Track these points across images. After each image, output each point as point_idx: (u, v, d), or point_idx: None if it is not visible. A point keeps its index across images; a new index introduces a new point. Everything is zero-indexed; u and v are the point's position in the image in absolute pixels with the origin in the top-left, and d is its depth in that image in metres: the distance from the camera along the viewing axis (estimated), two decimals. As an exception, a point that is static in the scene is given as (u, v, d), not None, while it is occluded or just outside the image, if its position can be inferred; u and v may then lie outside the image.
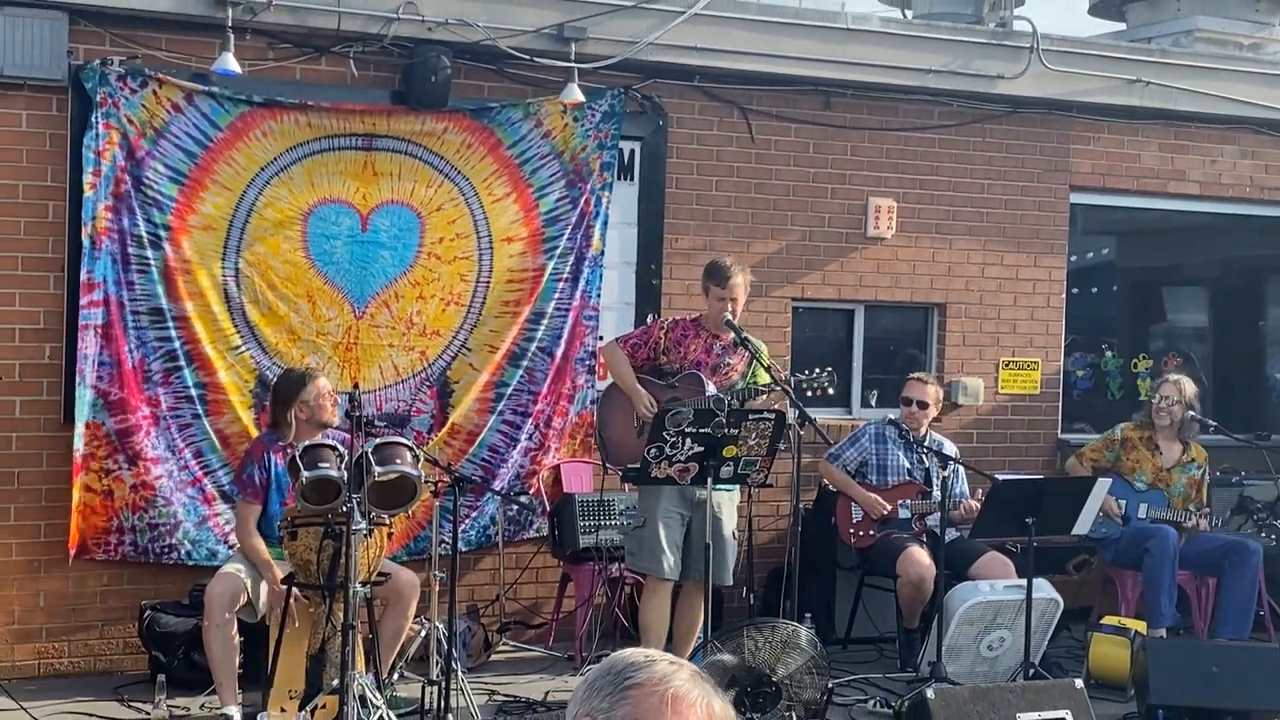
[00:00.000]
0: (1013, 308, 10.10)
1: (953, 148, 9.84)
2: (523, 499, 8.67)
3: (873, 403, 9.81)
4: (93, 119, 7.65)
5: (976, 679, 7.85)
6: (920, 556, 8.30)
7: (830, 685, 6.92)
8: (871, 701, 7.81)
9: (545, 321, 8.71)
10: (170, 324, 7.90)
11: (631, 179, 9.04)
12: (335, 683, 6.37)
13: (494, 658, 8.46)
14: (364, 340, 8.35)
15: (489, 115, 8.49)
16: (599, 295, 8.88)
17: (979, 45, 9.69)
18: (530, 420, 8.73)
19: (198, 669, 7.38)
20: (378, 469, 6.58)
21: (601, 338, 8.78)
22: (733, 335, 7.65)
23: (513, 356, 8.67)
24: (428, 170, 8.41)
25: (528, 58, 8.44)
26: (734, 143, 9.24)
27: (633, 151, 9.02)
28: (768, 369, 7.60)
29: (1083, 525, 8.00)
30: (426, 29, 8.20)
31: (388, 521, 6.96)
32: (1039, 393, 10.23)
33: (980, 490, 8.49)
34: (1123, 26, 11.71)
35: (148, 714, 6.97)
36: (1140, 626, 8.27)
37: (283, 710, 6.71)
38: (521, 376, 8.69)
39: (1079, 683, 6.77)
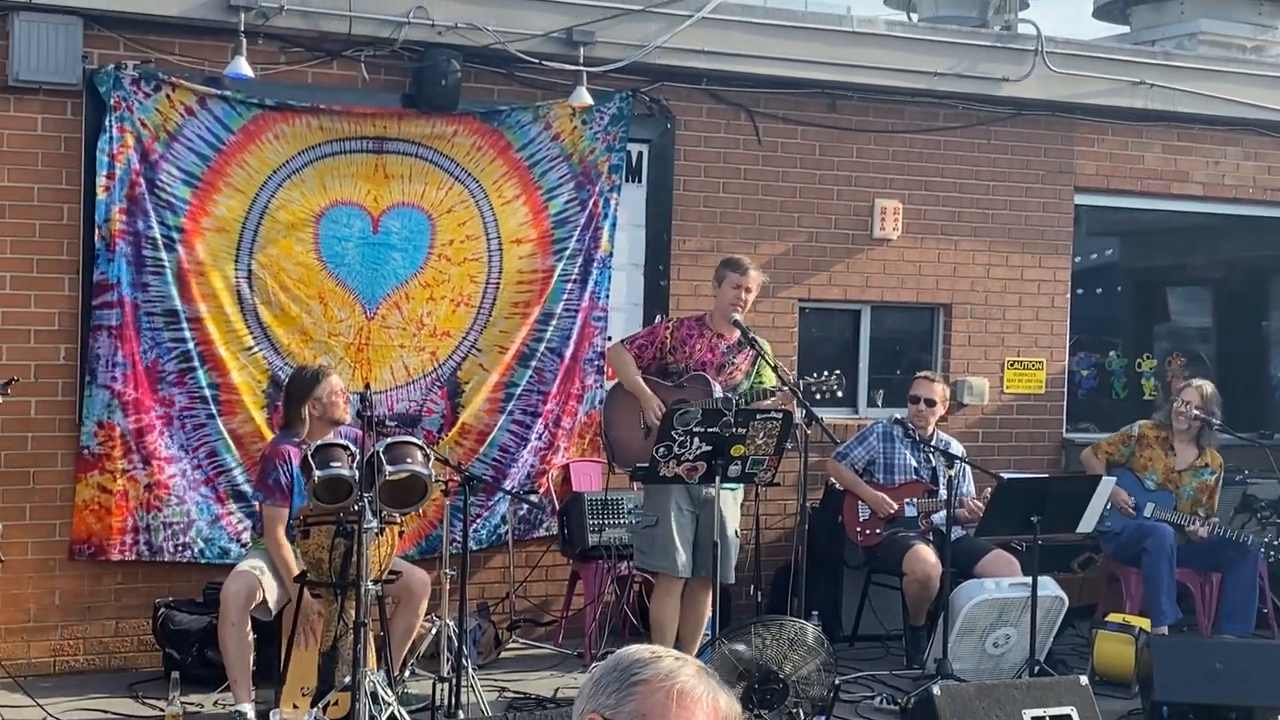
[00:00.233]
0: (1018, 308, 10.15)
1: (958, 150, 9.88)
2: (532, 498, 8.70)
3: (879, 403, 9.85)
4: (107, 122, 7.71)
5: (982, 676, 7.86)
6: (926, 554, 8.32)
7: (837, 682, 6.94)
8: (878, 698, 7.82)
9: (554, 322, 8.75)
10: (184, 325, 7.95)
11: (639, 181, 9.08)
12: (347, 679, 6.40)
13: (504, 655, 8.49)
14: (375, 341, 8.39)
15: (499, 118, 8.54)
16: (607, 296, 8.92)
17: (984, 48, 9.73)
18: (540, 420, 8.78)
19: (211, 666, 7.42)
20: (389, 468, 6.61)
21: (610, 338, 8.82)
22: (738, 335, 7.70)
23: (522, 357, 8.71)
24: (438, 173, 8.46)
25: (537, 61, 8.48)
26: (741, 145, 9.29)
27: (641, 154, 9.06)
28: (774, 368, 7.63)
29: (1087, 523, 8.00)
30: (436, 33, 8.25)
31: (399, 520, 7.00)
32: (1044, 392, 10.27)
33: (986, 489, 8.54)
34: (1126, 29, 11.72)
35: (162, 711, 6.99)
36: (1144, 624, 8.29)
37: (295, 707, 6.74)
38: (531, 377, 8.74)
39: (1084, 680, 6.76)
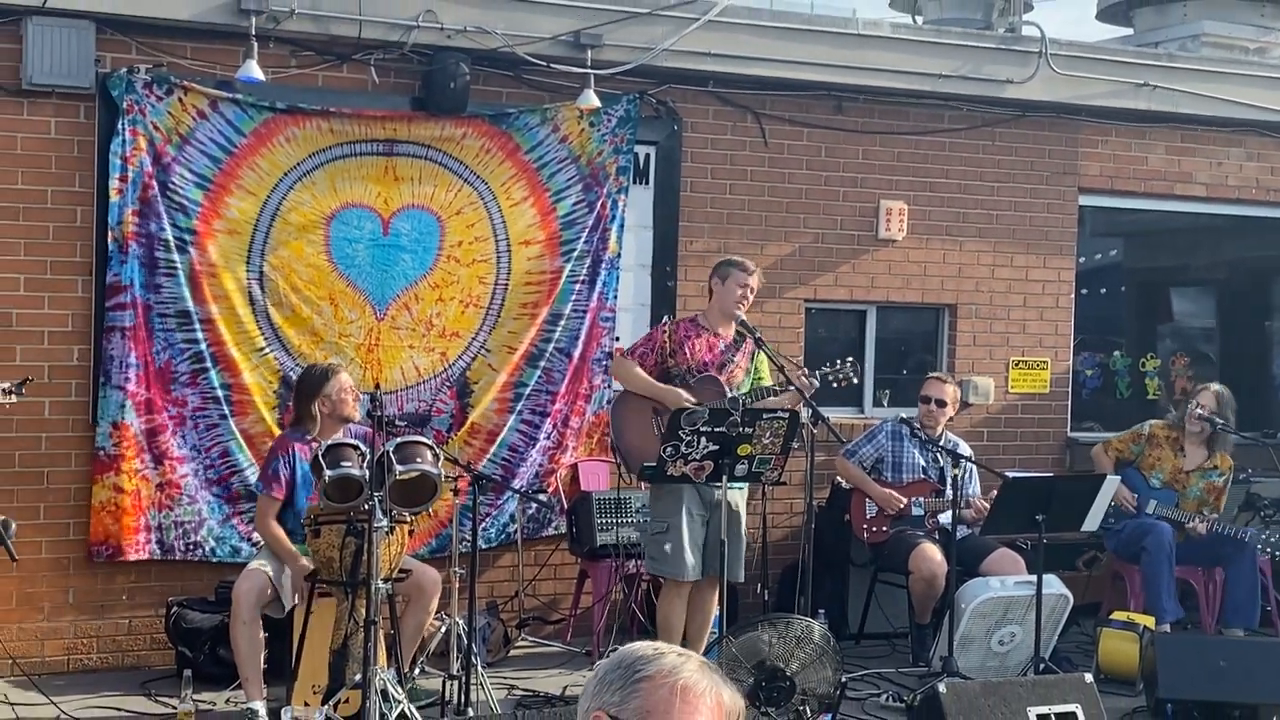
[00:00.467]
0: (1022, 308, 10.19)
1: (963, 151, 9.92)
2: (541, 497, 8.74)
3: (885, 403, 9.89)
4: (120, 126, 7.75)
5: (988, 673, 7.90)
6: (932, 553, 8.35)
7: (843, 680, 6.93)
8: (884, 696, 7.84)
9: (563, 323, 8.80)
10: (196, 326, 7.99)
11: (647, 183, 9.12)
12: (358, 677, 6.45)
13: (513, 653, 8.53)
14: (385, 342, 8.44)
15: (507, 120, 8.59)
16: (615, 297, 8.97)
17: (988, 50, 9.76)
18: (548, 420, 8.82)
19: (223, 664, 7.44)
20: (399, 468, 6.64)
21: (618, 338, 8.89)
22: (733, 332, 7.73)
23: (531, 357, 8.76)
24: (447, 175, 8.50)
25: (545, 64, 8.52)
26: (747, 147, 9.33)
27: (648, 156, 9.10)
28: (781, 368, 7.64)
29: (1092, 522, 8.04)
30: (446, 36, 8.29)
31: (409, 519, 7.02)
32: (1048, 392, 10.30)
33: (991, 489, 8.57)
34: (1130, 31, 11.73)
35: (174, 708, 7.01)
36: (1148, 622, 8.31)
37: (306, 704, 6.75)
38: (540, 377, 8.78)
39: (1089, 677, 6.77)
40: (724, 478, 7.15)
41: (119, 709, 7.36)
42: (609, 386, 8.83)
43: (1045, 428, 10.30)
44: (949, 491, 8.35)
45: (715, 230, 9.26)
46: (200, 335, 8.02)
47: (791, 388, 7.58)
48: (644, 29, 8.77)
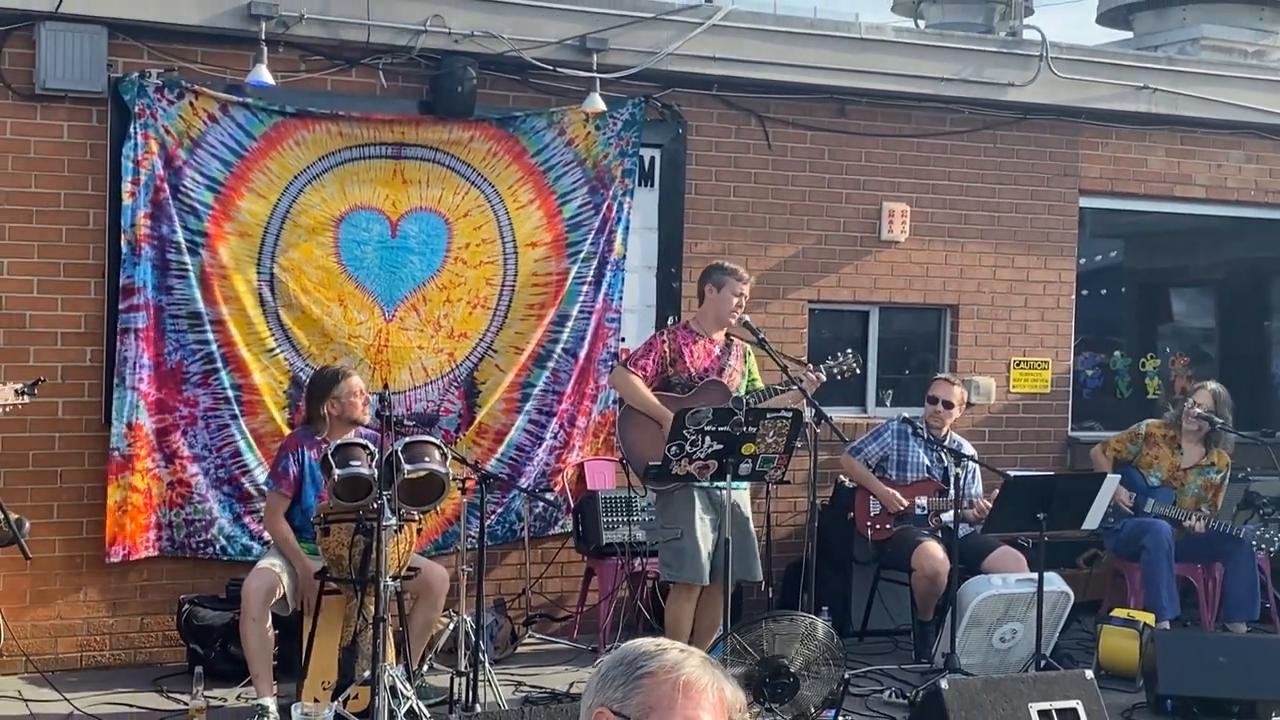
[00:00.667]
0: (1023, 309, 10.24)
1: (964, 153, 9.96)
2: (548, 496, 8.78)
3: (887, 402, 9.94)
4: (132, 129, 7.81)
5: (989, 670, 7.93)
6: (935, 551, 8.38)
7: (847, 676, 6.96)
8: (887, 692, 7.88)
9: (569, 324, 8.85)
10: (207, 327, 8.05)
11: (652, 185, 9.16)
12: (367, 674, 6.47)
13: (520, 650, 8.58)
14: (394, 343, 8.49)
15: (514, 124, 8.65)
16: (621, 298, 9.01)
17: (990, 54, 9.81)
18: (555, 420, 8.88)
19: (234, 661, 7.49)
20: (407, 467, 6.68)
21: (624, 339, 8.95)
22: (724, 336, 7.78)
23: (538, 358, 8.81)
24: (455, 178, 8.56)
25: (551, 68, 8.58)
26: (751, 150, 9.37)
27: (653, 158, 9.15)
28: (781, 365, 7.68)
29: (1092, 520, 8.10)
30: (453, 41, 8.34)
31: (417, 518, 7.06)
32: (1049, 392, 10.35)
33: (994, 487, 8.62)
34: (1130, 35, 11.78)
35: (186, 705, 7.04)
36: (1148, 619, 8.34)
37: (316, 701, 6.80)
38: (547, 377, 8.84)
39: (1089, 673, 6.78)
40: (728, 476, 7.19)
41: (131, 705, 7.40)
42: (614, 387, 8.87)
43: (1046, 427, 10.35)
44: (952, 490, 8.40)
45: (719, 232, 9.32)
46: (211, 336, 8.07)
47: (794, 387, 7.62)
48: (649, 33, 8.82)
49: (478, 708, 6.82)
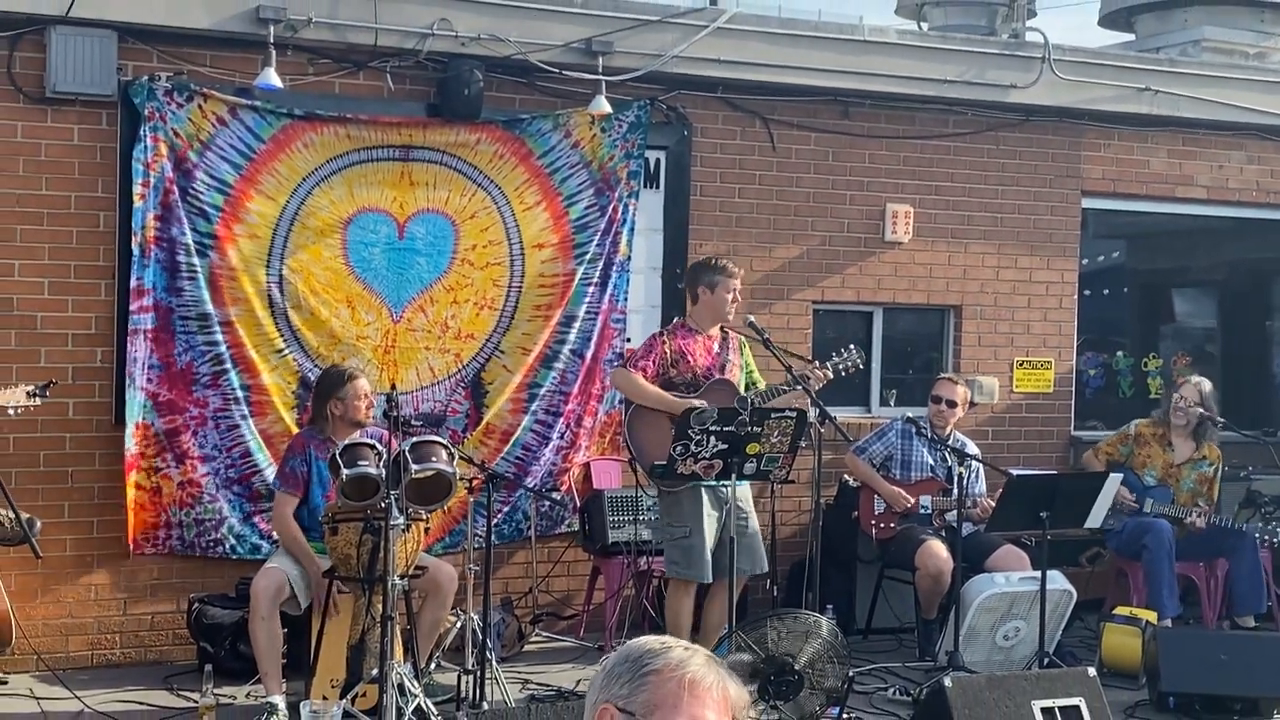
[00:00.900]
0: (1026, 309, 10.27)
1: (967, 155, 10.00)
2: (554, 495, 8.82)
3: (891, 402, 9.98)
4: (141, 132, 7.85)
5: (993, 667, 7.96)
6: (939, 549, 8.41)
7: (851, 674, 6.96)
8: (891, 690, 7.91)
9: (576, 325, 8.89)
10: (216, 329, 8.09)
11: (657, 187, 9.20)
12: (375, 672, 6.51)
13: (527, 648, 8.60)
14: (401, 343, 8.54)
15: (520, 126, 8.69)
16: (626, 299, 9.05)
17: (992, 56, 9.84)
18: (562, 420, 8.91)
19: (243, 659, 7.53)
20: (415, 466, 6.69)
21: (629, 340, 8.98)
22: (719, 333, 7.80)
23: (545, 359, 8.86)
24: (462, 180, 8.60)
25: (557, 71, 8.62)
26: (756, 151, 9.41)
27: (658, 160, 9.19)
28: (785, 364, 7.71)
29: (1095, 519, 8.12)
30: (460, 44, 8.38)
31: (424, 517, 7.09)
32: (1052, 391, 10.38)
33: (997, 487, 8.65)
34: (1132, 37, 11.80)
35: (196, 702, 7.04)
36: (1151, 616, 8.36)
37: (324, 698, 6.80)
38: (554, 378, 8.87)
39: (1092, 671, 6.78)
40: (733, 476, 7.23)
41: (141, 703, 7.44)
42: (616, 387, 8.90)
43: (1049, 427, 10.38)
44: (955, 489, 8.43)
45: (724, 233, 9.35)
46: (220, 337, 8.12)
47: (798, 386, 7.65)
48: (654, 36, 8.86)
49: (485, 705, 6.84)
